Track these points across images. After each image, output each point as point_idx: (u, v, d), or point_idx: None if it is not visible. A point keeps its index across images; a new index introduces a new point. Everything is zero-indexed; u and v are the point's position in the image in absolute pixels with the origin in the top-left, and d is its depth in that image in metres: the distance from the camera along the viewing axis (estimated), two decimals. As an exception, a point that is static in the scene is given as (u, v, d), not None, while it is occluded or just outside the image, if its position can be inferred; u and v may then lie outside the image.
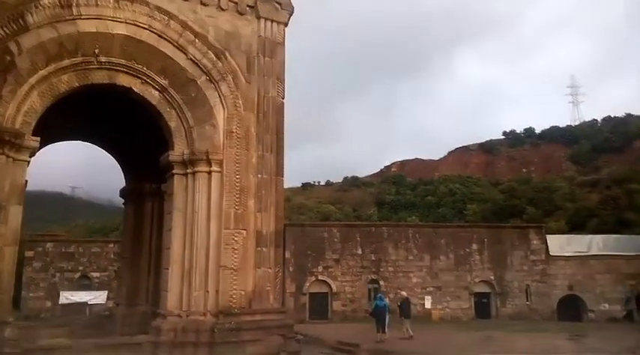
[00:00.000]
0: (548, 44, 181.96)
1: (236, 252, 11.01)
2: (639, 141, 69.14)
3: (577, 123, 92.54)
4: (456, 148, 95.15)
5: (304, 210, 58.98)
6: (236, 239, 11.06)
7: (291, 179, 72.56)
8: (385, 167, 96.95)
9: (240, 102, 11.66)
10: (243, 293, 10.96)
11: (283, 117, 12.40)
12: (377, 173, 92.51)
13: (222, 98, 11.44)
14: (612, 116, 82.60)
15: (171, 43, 10.95)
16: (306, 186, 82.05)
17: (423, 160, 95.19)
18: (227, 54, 11.65)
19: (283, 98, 12.47)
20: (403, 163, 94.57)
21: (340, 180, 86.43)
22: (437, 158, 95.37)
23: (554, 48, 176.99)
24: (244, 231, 11.23)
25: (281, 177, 12.15)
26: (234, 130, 11.48)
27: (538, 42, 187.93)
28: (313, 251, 25.88)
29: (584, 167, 66.76)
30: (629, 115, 79.29)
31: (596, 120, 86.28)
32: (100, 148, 15.00)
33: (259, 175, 11.70)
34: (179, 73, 11.12)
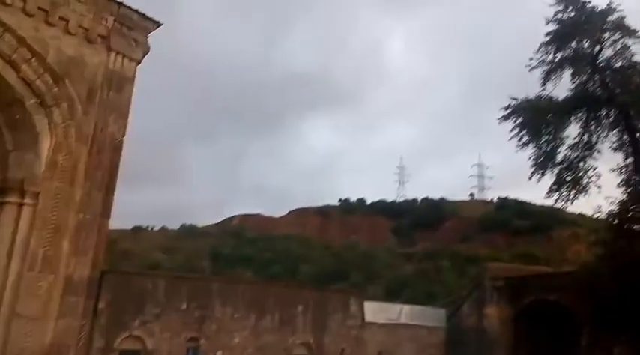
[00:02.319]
0: (388, 124, 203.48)
1: (38, 298, 9.69)
2: (450, 222, 79.43)
3: (401, 199, 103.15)
4: (297, 208, 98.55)
5: (131, 256, 54.70)
6: (40, 284, 9.77)
7: (122, 220, 67.17)
8: (226, 218, 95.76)
9: (73, 132, 10.73)
10: (37, 347, 9.56)
11: (120, 154, 11.68)
12: (217, 224, 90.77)
13: (51, 125, 10.41)
14: (429, 197, 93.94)
15: (2, 57, 9.81)
16: (137, 229, 76.61)
17: (265, 216, 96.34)
18: (67, 80, 10.77)
19: (124, 135, 11.80)
20: (245, 217, 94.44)
21: (177, 227, 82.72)
22: (278, 216, 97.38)
23: (393, 128, 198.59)
24: (52, 276, 9.99)
25: (107, 219, 11.24)
26: (60, 162, 10.44)
27: (380, 120, 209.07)
28: (133, 303, 23.74)
29: (404, 240, 74.03)
30: (442, 199, 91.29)
31: (417, 199, 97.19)
32: None
33: (82, 214, 10.67)
34: (5, 90, 9.92)
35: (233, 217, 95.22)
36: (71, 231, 10.43)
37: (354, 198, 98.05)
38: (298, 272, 54.62)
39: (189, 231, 79.04)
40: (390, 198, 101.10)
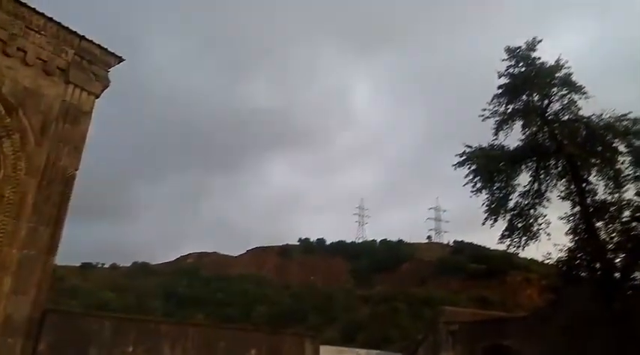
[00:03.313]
0: (349, 166, 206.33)
1: (-30, 340, 9.05)
2: (407, 265, 79.95)
3: (360, 240, 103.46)
4: (255, 247, 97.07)
5: (78, 295, 52.12)
6: (-26, 324, 9.15)
7: (70, 257, 64.21)
8: (181, 256, 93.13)
9: (23, 164, 10.35)
10: (-35, 394, 8.85)
11: (72, 188, 11.28)
12: (171, 262, 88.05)
13: (1, 157, 10.04)
14: (388, 239, 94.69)
15: (-47, 85, 9.50)
16: (86, 266, 73.47)
17: (222, 255, 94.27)
18: (20, 111, 10.47)
19: (77, 169, 11.45)
20: (201, 255, 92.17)
21: (128, 265, 79.72)
22: (235, 255, 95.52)
23: (354, 171, 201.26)
24: (-12, 315, 9.38)
25: (53, 256, 10.73)
26: (7, 195, 10.00)
27: (342, 162, 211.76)
28: (76, 345, 22.53)
29: (362, 281, 73.80)
30: (400, 241, 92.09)
31: (375, 240, 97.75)
32: None
33: (25, 250, 10.15)
34: (-48, 118, 9.55)
35: (188, 255, 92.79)
36: (13, 267, 9.89)
37: (313, 239, 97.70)
38: (254, 313, 53.30)
39: (141, 269, 76.27)
40: (349, 239, 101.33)
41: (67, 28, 11.42)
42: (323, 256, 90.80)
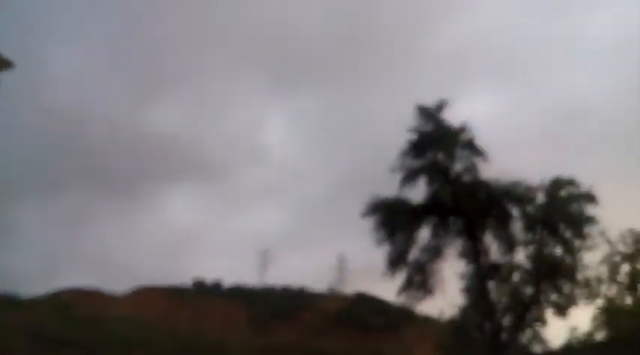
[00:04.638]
0: (255, 206, 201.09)
1: None
2: (307, 314, 78.74)
3: (260, 285, 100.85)
4: (142, 286, 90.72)
5: None
6: None
7: None
8: (56, 291, 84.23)
9: None
10: None
11: None
12: (44, 296, 79.20)
13: None
14: (289, 286, 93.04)
15: None
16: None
17: (102, 292, 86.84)
18: None
19: None
20: (78, 291, 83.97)
21: (-7, 296, 70.37)
22: (118, 293, 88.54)
23: (260, 211, 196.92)
24: None
25: None
26: None
27: (248, 201, 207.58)
28: None
29: (260, 329, 71.11)
30: (302, 289, 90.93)
31: (276, 286, 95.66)
32: None
33: None
34: None
35: (63, 290, 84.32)
36: None
37: (209, 280, 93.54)
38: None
39: (7, 302, 67.59)
40: (249, 283, 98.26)
41: None
42: (219, 300, 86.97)
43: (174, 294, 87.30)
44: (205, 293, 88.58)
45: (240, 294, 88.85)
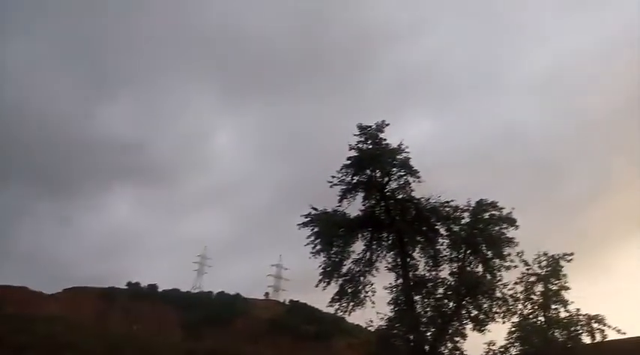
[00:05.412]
0: (197, 211, 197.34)
1: None
2: (241, 320, 78.15)
3: (197, 290, 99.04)
4: (74, 287, 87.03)
5: None
6: None
7: None
8: (-21, 290, 79.24)
9: None
10: None
11: None
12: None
13: None
14: (225, 292, 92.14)
15: None
16: None
17: (31, 291, 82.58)
18: None
19: None
20: (6, 288, 79.55)
21: None
22: (50, 292, 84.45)
23: (201, 217, 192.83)
24: None
25: None
26: None
27: (190, 206, 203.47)
28: None
29: (192, 334, 69.97)
30: (237, 295, 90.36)
31: (212, 292, 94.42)
32: None
33: None
34: None
35: (-12, 289, 79.50)
36: None
37: (145, 283, 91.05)
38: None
39: None
40: (184, 288, 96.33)
41: None
42: (153, 303, 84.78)
43: (107, 296, 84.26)
44: (139, 296, 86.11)
45: (175, 299, 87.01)
